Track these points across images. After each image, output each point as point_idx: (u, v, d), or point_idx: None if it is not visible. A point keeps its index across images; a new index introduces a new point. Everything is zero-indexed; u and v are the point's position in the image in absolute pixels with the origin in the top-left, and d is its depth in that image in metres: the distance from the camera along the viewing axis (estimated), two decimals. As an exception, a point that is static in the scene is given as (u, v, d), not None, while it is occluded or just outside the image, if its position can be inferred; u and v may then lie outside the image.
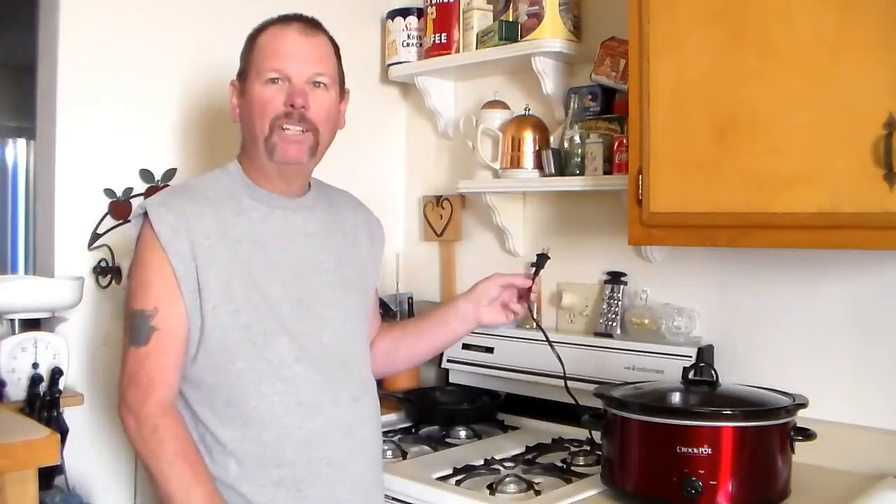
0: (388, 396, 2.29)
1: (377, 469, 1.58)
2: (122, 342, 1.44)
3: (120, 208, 1.97)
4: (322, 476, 1.46)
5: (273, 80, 1.47)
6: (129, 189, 1.99)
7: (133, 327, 1.41)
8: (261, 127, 1.47)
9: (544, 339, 1.74)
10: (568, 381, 1.76)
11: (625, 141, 1.87)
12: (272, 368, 1.44)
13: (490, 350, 2.27)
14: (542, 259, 1.70)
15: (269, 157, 1.48)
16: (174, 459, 1.35)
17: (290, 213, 1.54)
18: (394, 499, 1.71)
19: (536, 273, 1.69)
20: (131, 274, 1.46)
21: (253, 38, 1.53)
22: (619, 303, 2.11)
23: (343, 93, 1.59)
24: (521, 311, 1.69)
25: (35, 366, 1.77)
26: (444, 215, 2.53)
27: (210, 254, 1.43)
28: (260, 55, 1.49)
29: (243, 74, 1.52)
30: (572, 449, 1.92)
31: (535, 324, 1.74)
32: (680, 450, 1.47)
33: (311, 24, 1.52)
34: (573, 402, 1.77)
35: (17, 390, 1.76)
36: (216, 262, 1.43)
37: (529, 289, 1.67)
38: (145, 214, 1.44)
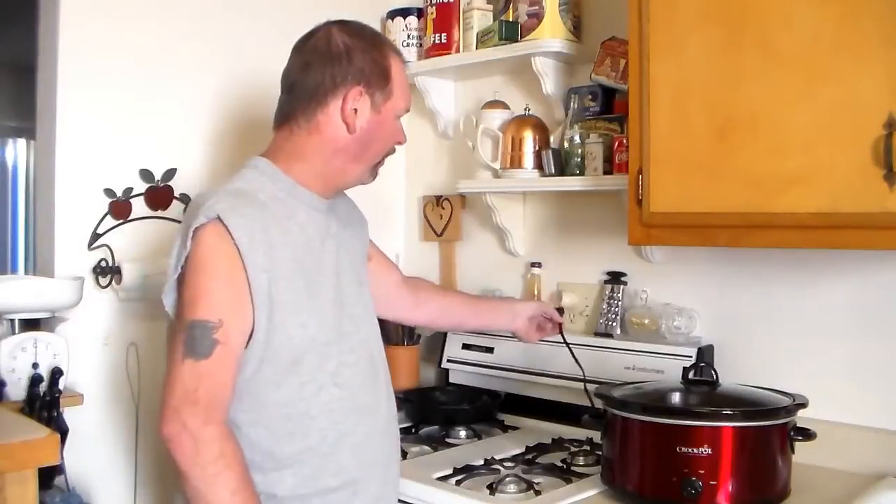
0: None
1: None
2: (171, 353, 1.33)
3: (120, 208, 1.97)
4: (373, 477, 1.48)
5: (399, 117, 1.53)
6: (129, 189, 1.99)
7: (192, 338, 1.30)
8: (379, 155, 1.52)
9: (571, 356, 1.91)
10: (569, 382, 1.81)
11: (625, 141, 1.87)
12: (329, 376, 1.43)
13: (490, 350, 2.27)
14: (560, 311, 1.97)
15: (370, 178, 1.55)
16: (240, 488, 1.28)
17: (322, 213, 1.52)
18: (394, 499, 1.71)
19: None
20: (192, 281, 1.34)
21: (385, 58, 1.49)
22: (619, 303, 2.11)
23: None
24: (549, 333, 1.95)
25: (35, 366, 1.77)
26: (444, 215, 2.53)
27: (279, 263, 1.38)
28: (399, 87, 1.51)
29: (378, 91, 1.47)
30: (572, 449, 1.92)
31: (564, 341, 1.93)
32: (680, 450, 1.47)
33: None
34: (591, 405, 1.77)
35: (17, 390, 1.76)
36: (284, 273, 1.38)
37: (560, 323, 1.94)
38: (216, 220, 1.33)
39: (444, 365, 2.39)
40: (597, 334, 2.12)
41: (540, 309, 1.92)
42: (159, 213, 2.03)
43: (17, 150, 5.58)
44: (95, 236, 1.95)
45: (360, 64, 1.46)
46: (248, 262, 1.33)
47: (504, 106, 2.25)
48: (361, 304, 1.56)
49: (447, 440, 2.05)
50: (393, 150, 1.56)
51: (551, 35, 2.10)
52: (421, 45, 2.41)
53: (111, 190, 1.97)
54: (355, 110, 1.45)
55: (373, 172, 1.55)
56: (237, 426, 1.37)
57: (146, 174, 2.02)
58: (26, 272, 5.11)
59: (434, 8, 2.33)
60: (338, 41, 1.46)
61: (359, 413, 1.47)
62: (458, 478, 1.72)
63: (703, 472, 1.46)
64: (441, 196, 2.54)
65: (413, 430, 2.12)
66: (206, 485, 1.27)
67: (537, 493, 1.62)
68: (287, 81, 1.50)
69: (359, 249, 1.64)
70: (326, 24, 1.50)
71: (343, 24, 1.50)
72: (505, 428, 2.15)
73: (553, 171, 2.10)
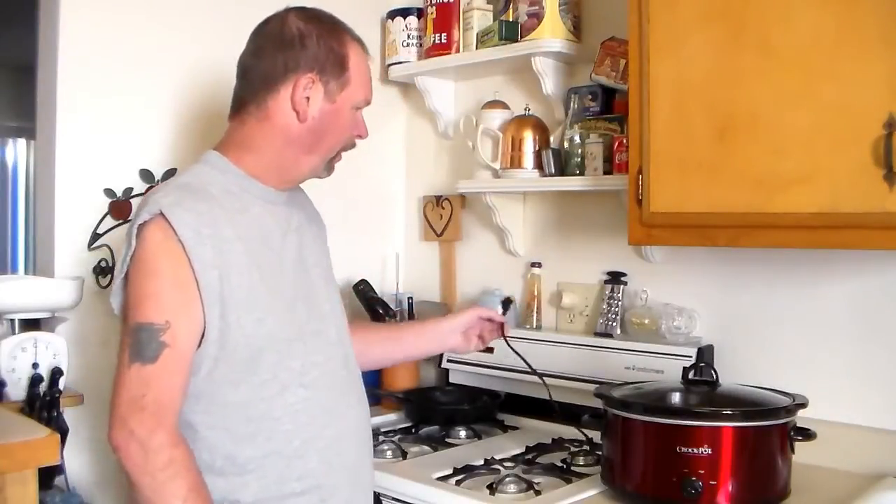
0: (388, 396, 2.29)
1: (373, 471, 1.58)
2: (119, 357, 1.29)
3: (120, 208, 1.97)
4: (341, 482, 1.43)
5: (358, 109, 1.47)
6: (129, 189, 1.99)
7: (138, 342, 1.26)
8: (334, 147, 1.46)
9: (517, 355, 1.83)
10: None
11: (625, 141, 1.87)
12: (294, 376, 1.38)
13: (490, 350, 2.26)
14: (506, 303, 1.86)
15: (325, 173, 1.49)
16: (189, 496, 1.23)
17: (280, 207, 1.47)
18: (394, 499, 1.71)
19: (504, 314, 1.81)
20: (136, 281, 1.29)
21: (343, 47, 1.43)
22: (619, 303, 2.11)
23: None
24: (495, 337, 1.80)
25: (35, 366, 1.77)
26: (444, 215, 2.53)
27: (230, 258, 1.32)
28: (357, 77, 1.44)
29: (333, 82, 1.41)
30: (572, 449, 1.92)
31: (510, 347, 1.81)
32: (680, 450, 1.47)
33: None
34: (549, 398, 1.83)
35: (17, 390, 1.75)
36: (237, 268, 1.33)
37: (503, 323, 1.77)
38: (159, 215, 1.29)
39: (444, 365, 2.39)
40: (597, 334, 2.12)
41: (473, 317, 1.75)
42: (159, 213, 2.03)
43: (17, 150, 5.59)
44: (95, 236, 1.95)
45: (314, 50, 1.40)
46: (194, 259, 1.28)
47: (504, 106, 2.25)
48: (330, 303, 1.52)
49: (447, 440, 2.05)
50: (352, 144, 1.50)
51: (551, 35, 2.10)
52: (421, 45, 2.41)
53: (111, 190, 1.97)
54: (307, 98, 1.39)
55: (328, 167, 1.49)
56: (193, 428, 1.32)
57: (146, 174, 2.02)
58: (26, 272, 5.11)
59: (434, 8, 2.33)
60: (292, 26, 1.41)
61: (327, 415, 1.41)
62: (458, 478, 1.72)
63: (703, 472, 1.46)
64: (441, 196, 2.54)
65: (413, 430, 2.12)
66: (156, 493, 1.22)
67: (537, 493, 1.62)
68: (240, 68, 1.45)
69: (323, 248, 1.60)
70: (284, 10, 1.44)
71: (300, 9, 1.44)
72: (505, 428, 2.15)
73: (553, 171, 2.10)
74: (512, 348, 1.79)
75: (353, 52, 1.44)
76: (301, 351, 1.40)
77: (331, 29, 1.43)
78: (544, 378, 1.84)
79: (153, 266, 1.29)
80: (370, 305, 2.36)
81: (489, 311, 1.77)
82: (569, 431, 2.02)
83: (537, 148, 2.14)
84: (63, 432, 1.74)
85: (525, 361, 1.82)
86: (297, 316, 1.42)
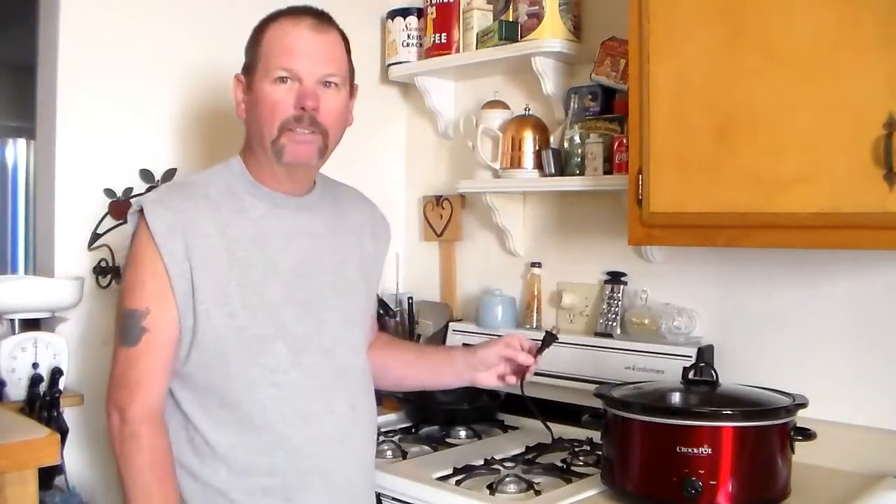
0: (388, 396, 2.29)
1: (370, 477, 1.58)
2: (114, 341, 1.42)
3: (120, 208, 1.97)
4: (312, 485, 1.43)
5: (282, 80, 1.40)
6: (129, 189, 1.99)
7: (125, 327, 1.38)
8: (269, 129, 1.41)
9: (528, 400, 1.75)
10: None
11: (625, 141, 1.87)
12: (266, 373, 1.41)
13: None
14: (549, 338, 1.67)
15: (277, 159, 1.43)
16: (144, 469, 1.34)
17: (293, 212, 1.49)
18: (394, 499, 1.71)
19: (541, 352, 1.65)
20: (125, 272, 1.43)
21: (260, 31, 1.46)
22: (619, 303, 2.11)
23: (353, 89, 1.52)
24: (515, 383, 1.68)
25: (35, 366, 1.77)
26: (444, 215, 2.53)
27: (206, 253, 1.39)
28: (268, 51, 1.43)
29: (249, 69, 1.45)
30: (572, 449, 1.91)
31: (521, 392, 1.68)
32: (680, 450, 1.47)
33: (324, 19, 1.46)
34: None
35: (17, 390, 1.76)
36: (213, 263, 1.39)
37: (528, 367, 1.65)
38: (141, 211, 1.40)
39: (444, 365, 2.39)
40: (597, 334, 2.12)
41: (494, 355, 1.65)
42: (159, 213, 2.03)
43: (17, 150, 5.58)
44: (95, 236, 1.95)
45: (245, 52, 1.49)
46: (163, 252, 1.37)
47: (504, 106, 2.25)
48: (338, 311, 1.51)
49: (447, 440, 2.05)
50: (296, 118, 1.41)
51: (551, 35, 2.10)
52: (421, 45, 2.41)
53: (111, 190, 1.97)
54: (241, 97, 1.48)
55: (274, 150, 1.42)
56: (177, 403, 1.41)
57: (146, 174, 2.02)
58: (26, 272, 5.10)
59: (434, 8, 2.33)
60: None
61: (300, 417, 1.43)
62: (458, 478, 1.72)
63: (703, 472, 1.46)
64: (441, 196, 2.54)
65: (413, 430, 2.12)
66: (121, 460, 1.36)
67: (537, 493, 1.62)
68: None
69: (357, 258, 1.59)
70: None
71: None
72: (505, 428, 2.15)
73: (553, 171, 2.10)
74: (522, 391, 1.68)
75: (270, 30, 1.45)
76: (280, 351, 1.42)
77: (267, 21, 1.48)
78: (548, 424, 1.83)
79: (139, 258, 1.40)
80: (370, 305, 2.35)
81: (512, 351, 1.64)
82: (569, 431, 2.03)
83: (537, 148, 2.14)
84: (63, 432, 1.74)
85: (531, 406, 1.77)
86: (281, 317, 1.43)
